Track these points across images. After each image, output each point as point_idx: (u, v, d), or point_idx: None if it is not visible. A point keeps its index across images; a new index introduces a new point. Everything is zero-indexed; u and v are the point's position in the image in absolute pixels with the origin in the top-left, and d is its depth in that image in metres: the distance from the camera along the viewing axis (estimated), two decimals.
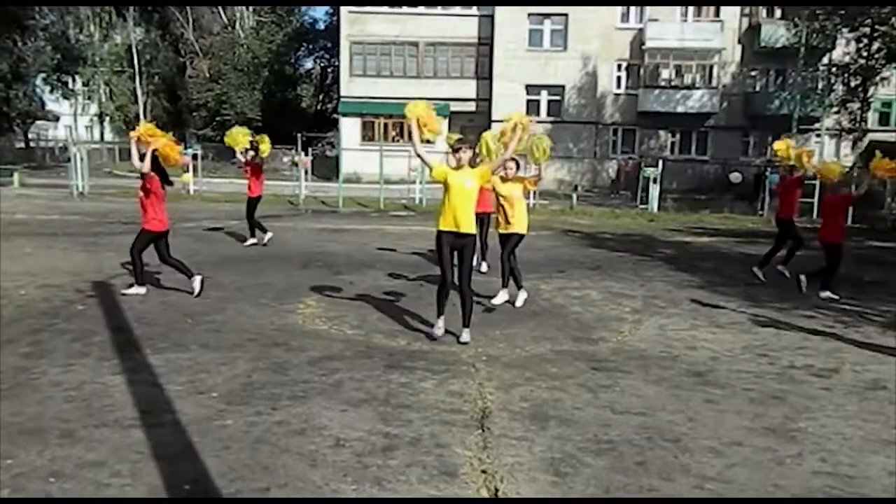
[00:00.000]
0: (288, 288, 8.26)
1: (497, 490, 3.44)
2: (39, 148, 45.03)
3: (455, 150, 6.19)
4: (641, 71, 31.55)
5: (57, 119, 53.44)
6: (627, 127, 32.48)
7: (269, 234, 12.00)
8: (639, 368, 5.57)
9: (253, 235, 11.98)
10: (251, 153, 11.99)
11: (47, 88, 41.76)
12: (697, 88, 31.43)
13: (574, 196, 22.44)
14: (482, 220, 9.24)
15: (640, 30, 31.27)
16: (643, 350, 6.15)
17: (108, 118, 47.74)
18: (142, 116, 43.37)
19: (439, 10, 31.64)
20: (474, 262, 6.53)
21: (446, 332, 6.26)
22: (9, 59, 28.56)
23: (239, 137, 11.84)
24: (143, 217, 7.65)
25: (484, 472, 3.65)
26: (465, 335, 6.12)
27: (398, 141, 30.02)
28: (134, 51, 43.13)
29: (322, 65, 46.40)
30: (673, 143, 32.72)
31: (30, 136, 44.69)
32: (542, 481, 3.56)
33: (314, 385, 4.91)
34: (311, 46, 45.57)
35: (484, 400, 4.72)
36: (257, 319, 6.73)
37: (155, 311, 6.96)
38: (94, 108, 49.52)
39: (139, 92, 44.13)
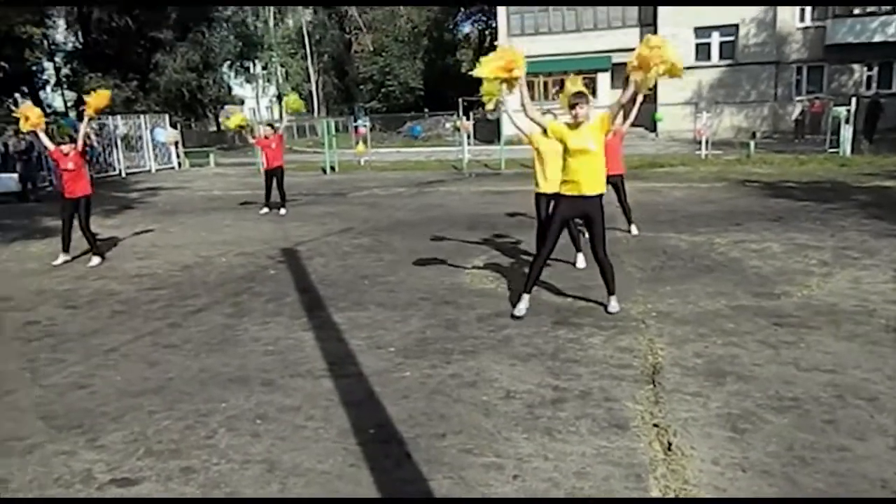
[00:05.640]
0: (455, 249, 8.52)
1: (670, 444, 3.39)
2: (229, 130, 49.40)
3: (572, 106, 5.33)
4: None
5: (242, 102, 58.37)
6: (813, 64, 29.33)
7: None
8: (828, 324, 5.16)
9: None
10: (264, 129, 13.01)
11: (232, 74, 45.50)
12: None
13: (752, 144, 20.83)
14: (615, 184, 8.31)
15: None
16: (833, 304, 5.68)
17: (285, 97, 51.50)
18: (314, 93, 46.21)
19: None
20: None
21: (596, 303, 5.87)
22: (200, 50, 31.57)
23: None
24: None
25: (656, 425, 3.60)
26: (614, 304, 5.64)
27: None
28: (304, 32, 45.85)
29: (480, 27, 46.45)
30: (869, 78, 29.16)
31: (220, 119, 49.15)
32: (719, 437, 3.45)
33: (484, 340, 5.08)
34: (468, 11, 45.71)
35: (655, 356, 4.63)
36: (428, 280, 7.03)
37: (335, 273, 7.50)
38: (272, 90, 53.52)
39: (311, 70, 47.00)
